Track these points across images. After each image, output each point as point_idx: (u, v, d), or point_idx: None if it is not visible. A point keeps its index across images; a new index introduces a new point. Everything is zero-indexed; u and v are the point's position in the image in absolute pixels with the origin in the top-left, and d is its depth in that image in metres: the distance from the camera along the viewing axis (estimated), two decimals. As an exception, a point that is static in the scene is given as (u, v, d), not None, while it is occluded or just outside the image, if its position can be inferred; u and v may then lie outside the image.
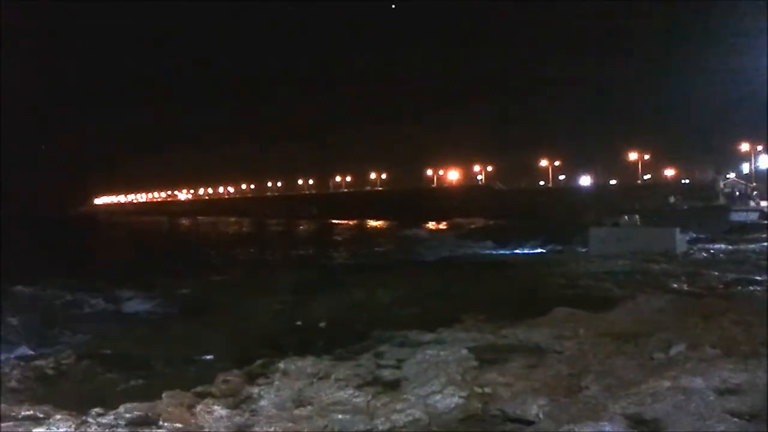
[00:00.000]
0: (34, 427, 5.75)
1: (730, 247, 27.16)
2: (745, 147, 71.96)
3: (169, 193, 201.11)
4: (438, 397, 6.37)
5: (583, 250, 28.30)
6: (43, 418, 6.05)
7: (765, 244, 27.30)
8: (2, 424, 5.87)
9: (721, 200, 49.99)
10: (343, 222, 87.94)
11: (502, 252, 34.25)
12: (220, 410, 6.26)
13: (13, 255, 25.71)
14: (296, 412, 6.21)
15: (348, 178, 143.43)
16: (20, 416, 6.23)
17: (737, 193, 52.68)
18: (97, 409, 6.25)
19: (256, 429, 5.83)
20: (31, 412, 6.37)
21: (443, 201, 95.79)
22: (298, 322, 14.32)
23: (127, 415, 6.12)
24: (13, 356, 12.11)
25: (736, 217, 41.10)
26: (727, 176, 62.87)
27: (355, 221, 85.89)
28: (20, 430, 5.74)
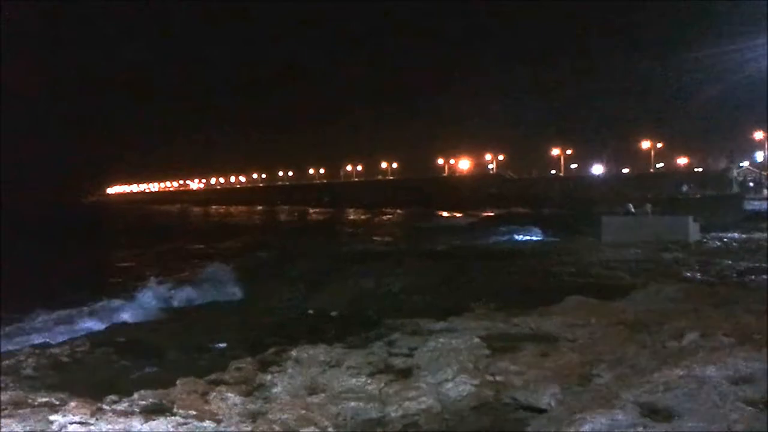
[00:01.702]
0: (50, 414, 5.80)
1: (743, 235, 27.01)
2: (758, 135, 71.47)
3: (181, 182, 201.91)
4: (450, 385, 6.39)
5: (595, 239, 28.19)
6: (59, 405, 6.11)
7: (778, 232, 27.11)
8: (19, 411, 5.93)
9: (735, 189, 49.71)
10: (354, 210, 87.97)
11: (513, 241, 34.18)
12: (233, 397, 6.30)
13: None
14: (309, 399, 6.24)
15: (359, 167, 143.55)
16: (36, 403, 6.29)
17: (751, 182, 52.32)
18: (112, 397, 6.31)
19: (270, 416, 5.86)
20: (47, 399, 6.43)
21: (454, 190, 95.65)
22: (310, 311, 14.40)
23: (142, 402, 6.17)
24: (29, 344, 12.24)
25: (750, 205, 40.82)
26: (741, 165, 62.50)
27: (365, 210, 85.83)
28: (37, 417, 5.79)
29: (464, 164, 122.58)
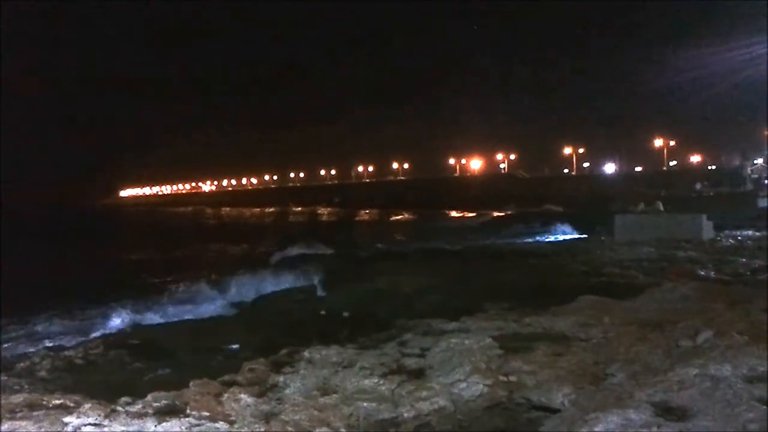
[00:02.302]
0: (65, 416, 5.84)
1: (757, 233, 26.78)
2: (772, 132, 70.77)
3: (193, 184, 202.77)
4: (463, 385, 6.37)
5: (608, 237, 28.07)
6: (74, 407, 6.15)
7: (794, 230, 26.88)
8: (33, 413, 5.97)
9: (749, 186, 49.50)
10: (365, 211, 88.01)
11: (525, 240, 34.08)
12: (246, 398, 6.32)
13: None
14: (322, 400, 6.24)
15: (370, 168, 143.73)
16: (51, 405, 6.34)
17: (766, 179, 51.94)
18: (126, 398, 6.33)
19: (283, 417, 5.87)
20: (62, 401, 6.48)
21: (466, 190, 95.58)
22: (322, 311, 14.39)
23: (156, 404, 6.19)
24: (43, 347, 12.34)
25: (764, 202, 40.50)
26: (755, 162, 61.99)
27: (376, 210, 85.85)
28: (51, 418, 5.83)
29: (476, 164, 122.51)
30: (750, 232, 27.31)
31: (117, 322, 15.05)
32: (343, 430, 5.68)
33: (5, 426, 5.50)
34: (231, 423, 5.81)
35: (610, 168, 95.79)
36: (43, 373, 9.73)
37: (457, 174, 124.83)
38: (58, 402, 6.44)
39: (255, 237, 47.24)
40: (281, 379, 7.01)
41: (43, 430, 5.53)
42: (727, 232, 27.20)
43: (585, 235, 31.51)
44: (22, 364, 10.18)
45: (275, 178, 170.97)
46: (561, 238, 33.29)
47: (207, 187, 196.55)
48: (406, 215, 77.19)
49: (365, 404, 6.06)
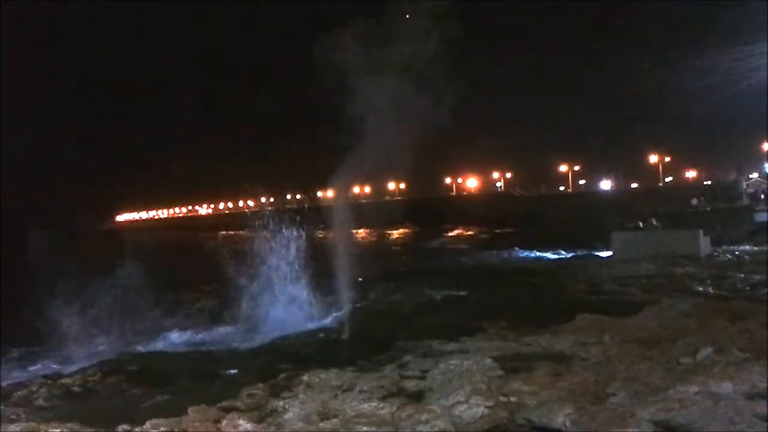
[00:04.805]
0: (63, 445, 5.80)
1: (755, 248, 26.78)
2: (767, 146, 71.11)
3: (190, 208, 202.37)
4: (463, 407, 6.34)
5: (606, 254, 28.07)
6: (72, 436, 6.11)
7: (791, 244, 26.87)
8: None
9: (745, 201, 49.50)
10: (362, 231, 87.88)
11: (523, 258, 34.03)
12: (245, 424, 6.28)
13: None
14: (321, 424, 6.21)
15: (367, 189, 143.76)
16: (49, 434, 6.29)
17: (762, 194, 52.02)
18: (125, 426, 6.30)
19: (282, 442, 5.84)
20: (60, 430, 6.43)
21: (462, 209, 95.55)
22: (321, 334, 14.33)
23: (154, 431, 6.15)
24: (40, 374, 12.23)
25: (761, 217, 40.49)
26: (750, 176, 62.12)
27: (374, 230, 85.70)
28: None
29: (472, 183, 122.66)
30: (747, 247, 27.30)
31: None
32: (343, 454, 5.64)
33: (3, 457, 5.46)
34: (230, 449, 5.77)
35: (606, 185, 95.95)
36: (40, 402, 9.63)
37: (453, 193, 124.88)
38: (56, 431, 6.39)
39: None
40: (280, 403, 6.98)
41: (40, 460, 5.48)
42: (724, 247, 27.20)
43: (583, 253, 31.48)
44: (19, 393, 10.08)
45: (272, 200, 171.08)
46: (558, 256, 33.24)
47: (203, 210, 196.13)
48: (403, 235, 77.15)
49: (365, 428, 6.03)
